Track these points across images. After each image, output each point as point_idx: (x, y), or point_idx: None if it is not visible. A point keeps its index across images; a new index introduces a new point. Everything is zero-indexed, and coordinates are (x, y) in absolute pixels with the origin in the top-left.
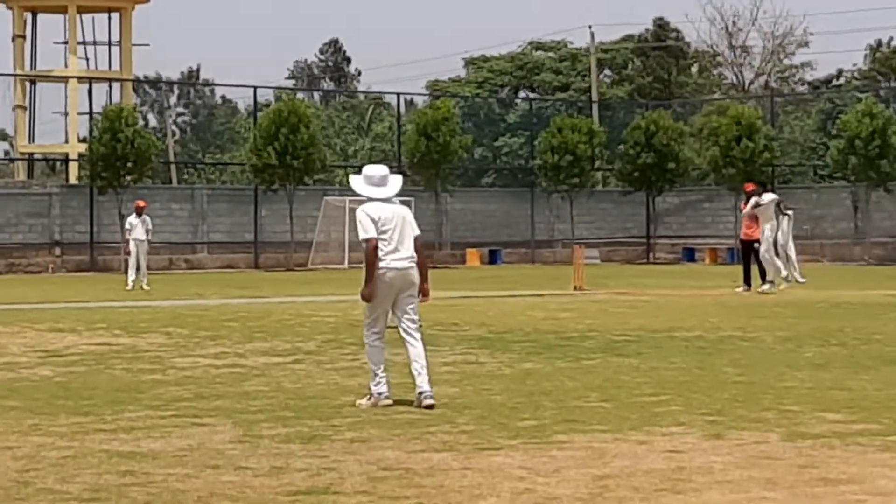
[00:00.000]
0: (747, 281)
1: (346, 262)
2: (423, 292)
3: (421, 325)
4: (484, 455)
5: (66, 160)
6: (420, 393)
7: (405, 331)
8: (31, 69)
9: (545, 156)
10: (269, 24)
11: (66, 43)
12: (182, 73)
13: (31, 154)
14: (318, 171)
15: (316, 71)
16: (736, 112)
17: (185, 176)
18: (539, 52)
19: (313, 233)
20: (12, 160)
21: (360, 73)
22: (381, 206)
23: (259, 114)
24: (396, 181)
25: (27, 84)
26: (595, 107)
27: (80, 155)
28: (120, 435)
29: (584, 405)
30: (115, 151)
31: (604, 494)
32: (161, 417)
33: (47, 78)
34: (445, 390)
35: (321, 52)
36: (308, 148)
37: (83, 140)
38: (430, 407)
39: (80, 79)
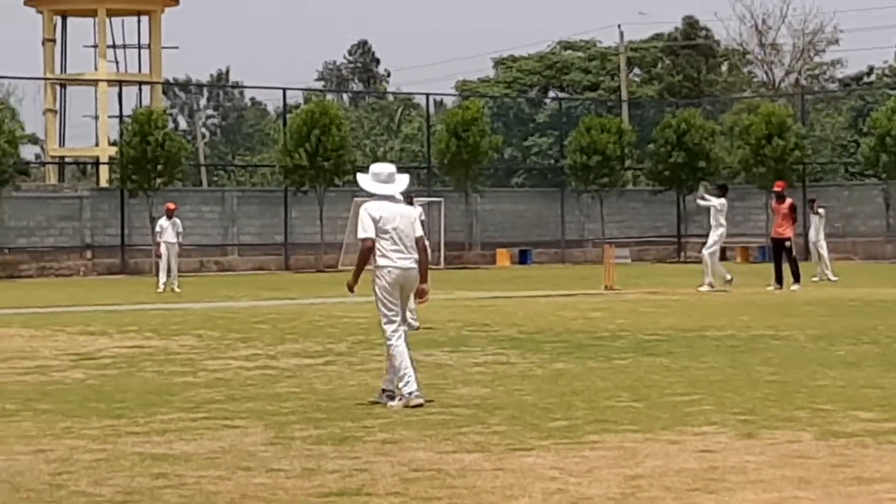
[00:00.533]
0: (779, 279)
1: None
2: (420, 293)
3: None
4: (516, 455)
5: (96, 163)
6: (383, 391)
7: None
8: (62, 73)
9: (575, 155)
10: (297, 26)
11: (95, 46)
12: (211, 75)
13: (62, 157)
14: (349, 172)
15: (345, 72)
16: (766, 110)
17: (215, 178)
18: (568, 52)
19: (343, 234)
20: (43, 164)
21: (389, 74)
22: (384, 206)
23: (289, 115)
24: (403, 179)
25: (57, 88)
26: (625, 106)
27: (111, 158)
28: (152, 437)
29: (615, 405)
30: (145, 154)
31: (636, 494)
32: (193, 420)
33: (77, 81)
34: (477, 391)
35: (350, 54)
36: (339, 149)
37: (113, 143)
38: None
39: (110, 82)
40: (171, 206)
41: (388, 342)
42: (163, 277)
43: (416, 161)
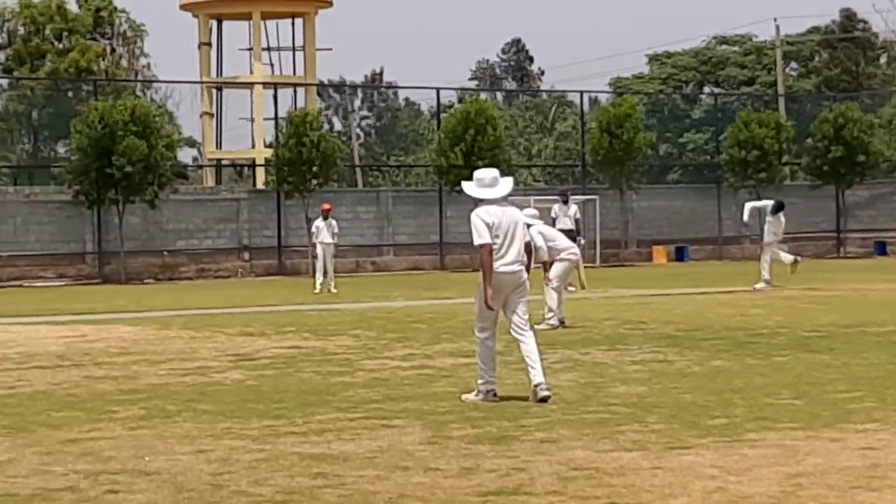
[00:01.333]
0: None
1: (533, 260)
2: None
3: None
4: (674, 454)
5: (252, 165)
6: (535, 385)
7: (515, 330)
8: (218, 76)
9: (731, 151)
10: (450, 26)
11: (250, 49)
12: (365, 76)
13: (219, 160)
14: (504, 171)
15: (498, 71)
16: None
17: (371, 178)
18: (723, 47)
19: None
20: (200, 166)
21: (542, 73)
22: (494, 210)
23: (443, 115)
24: (507, 183)
25: (214, 91)
26: (781, 100)
27: (267, 160)
28: (311, 437)
29: (775, 402)
30: (300, 156)
31: (797, 493)
32: (351, 420)
33: (233, 84)
34: (634, 389)
35: (503, 52)
36: (493, 149)
37: (269, 145)
38: (545, 399)
39: (265, 84)
40: (327, 206)
41: (477, 340)
42: (319, 278)
43: (571, 159)
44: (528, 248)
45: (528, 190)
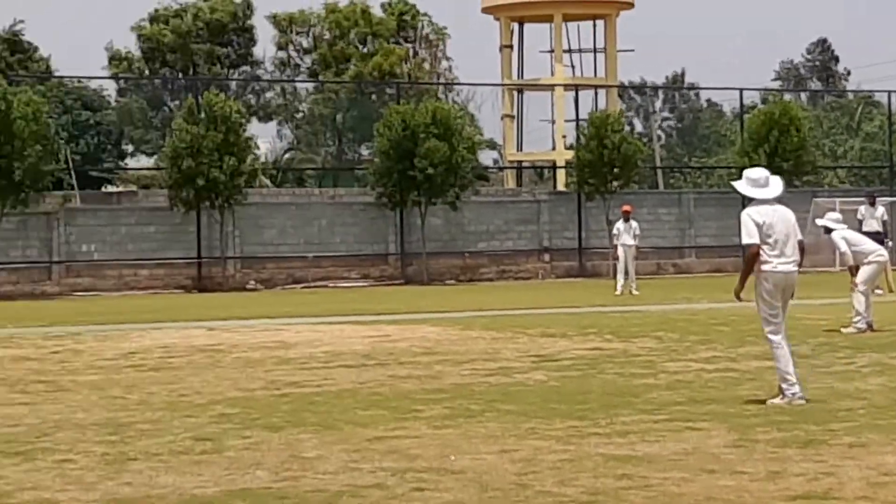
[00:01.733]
0: None
1: (837, 264)
2: None
3: None
4: None
5: (553, 167)
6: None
7: None
8: (519, 78)
9: None
10: (753, 25)
11: (551, 51)
12: (667, 77)
13: (520, 162)
14: (808, 172)
15: (803, 71)
16: None
17: (672, 180)
18: None
19: (803, 235)
20: (501, 168)
21: (849, 73)
22: (765, 210)
23: (746, 116)
24: (778, 183)
25: (515, 93)
26: None
27: (567, 162)
28: (615, 439)
29: None
30: (601, 158)
31: None
32: (654, 421)
33: (534, 86)
34: None
35: (808, 52)
36: (797, 150)
37: (570, 147)
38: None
39: (566, 86)
40: (628, 208)
41: (772, 346)
42: (620, 280)
43: (878, 160)
44: (802, 246)
45: (834, 192)
